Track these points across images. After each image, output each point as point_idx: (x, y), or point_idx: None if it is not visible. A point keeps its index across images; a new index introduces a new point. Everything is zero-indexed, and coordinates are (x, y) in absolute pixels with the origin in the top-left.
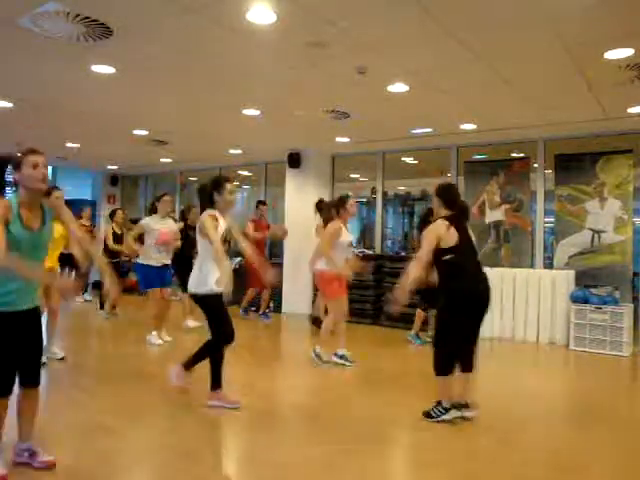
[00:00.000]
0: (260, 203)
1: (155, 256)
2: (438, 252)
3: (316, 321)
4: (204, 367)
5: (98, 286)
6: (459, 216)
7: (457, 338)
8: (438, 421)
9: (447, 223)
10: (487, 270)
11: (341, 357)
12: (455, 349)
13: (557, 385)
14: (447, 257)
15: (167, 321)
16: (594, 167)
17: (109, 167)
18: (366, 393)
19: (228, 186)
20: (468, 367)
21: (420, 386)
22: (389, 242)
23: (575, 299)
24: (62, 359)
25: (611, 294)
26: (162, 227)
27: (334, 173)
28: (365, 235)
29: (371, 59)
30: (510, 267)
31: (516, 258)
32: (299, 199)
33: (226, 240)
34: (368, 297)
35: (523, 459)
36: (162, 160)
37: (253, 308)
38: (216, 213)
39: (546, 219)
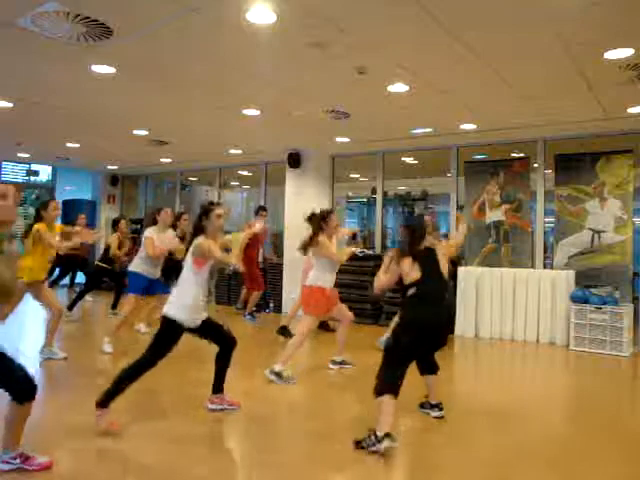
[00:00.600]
0: (261, 209)
1: (146, 268)
2: (402, 285)
3: (284, 330)
4: (207, 370)
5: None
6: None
7: (406, 361)
8: (369, 452)
9: (411, 260)
10: (487, 270)
11: (340, 363)
12: (403, 371)
13: (557, 385)
14: (410, 292)
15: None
16: (594, 167)
17: (109, 167)
18: (366, 394)
19: (216, 210)
20: (433, 369)
21: (420, 385)
22: (389, 242)
23: (575, 299)
24: (65, 359)
25: (611, 294)
26: (159, 243)
27: (334, 173)
28: (365, 235)
29: (371, 59)
30: (510, 267)
31: (516, 258)
32: (299, 199)
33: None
34: (368, 297)
35: (522, 459)
36: (162, 160)
37: (254, 308)
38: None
39: (546, 219)
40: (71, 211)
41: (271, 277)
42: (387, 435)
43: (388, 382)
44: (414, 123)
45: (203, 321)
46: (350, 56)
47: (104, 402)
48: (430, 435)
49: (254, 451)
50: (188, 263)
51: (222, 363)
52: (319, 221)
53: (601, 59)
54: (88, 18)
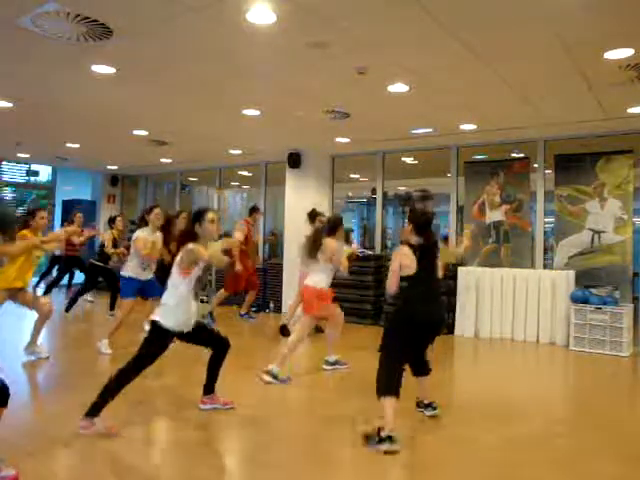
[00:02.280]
0: (254, 211)
1: (137, 271)
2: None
3: (284, 329)
4: (202, 370)
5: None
6: (425, 245)
7: (401, 358)
8: (371, 448)
9: (410, 252)
10: (487, 270)
11: (334, 363)
12: (399, 369)
13: (556, 385)
14: (402, 284)
15: None
16: (594, 167)
17: (109, 167)
18: (363, 393)
19: (209, 215)
20: (424, 371)
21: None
22: (389, 242)
23: (575, 299)
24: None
25: (611, 294)
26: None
27: (334, 173)
28: (365, 235)
29: (371, 59)
30: (510, 267)
31: (516, 258)
32: (299, 199)
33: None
34: (368, 297)
35: (522, 459)
36: (162, 160)
37: (254, 308)
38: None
39: (546, 219)
40: (71, 211)
41: (271, 277)
42: (389, 438)
43: (386, 383)
44: (414, 123)
45: (193, 327)
46: (350, 56)
47: (92, 412)
48: (427, 436)
49: (251, 451)
50: (176, 269)
51: (215, 365)
52: (331, 227)
53: (601, 59)
54: (88, 18)
